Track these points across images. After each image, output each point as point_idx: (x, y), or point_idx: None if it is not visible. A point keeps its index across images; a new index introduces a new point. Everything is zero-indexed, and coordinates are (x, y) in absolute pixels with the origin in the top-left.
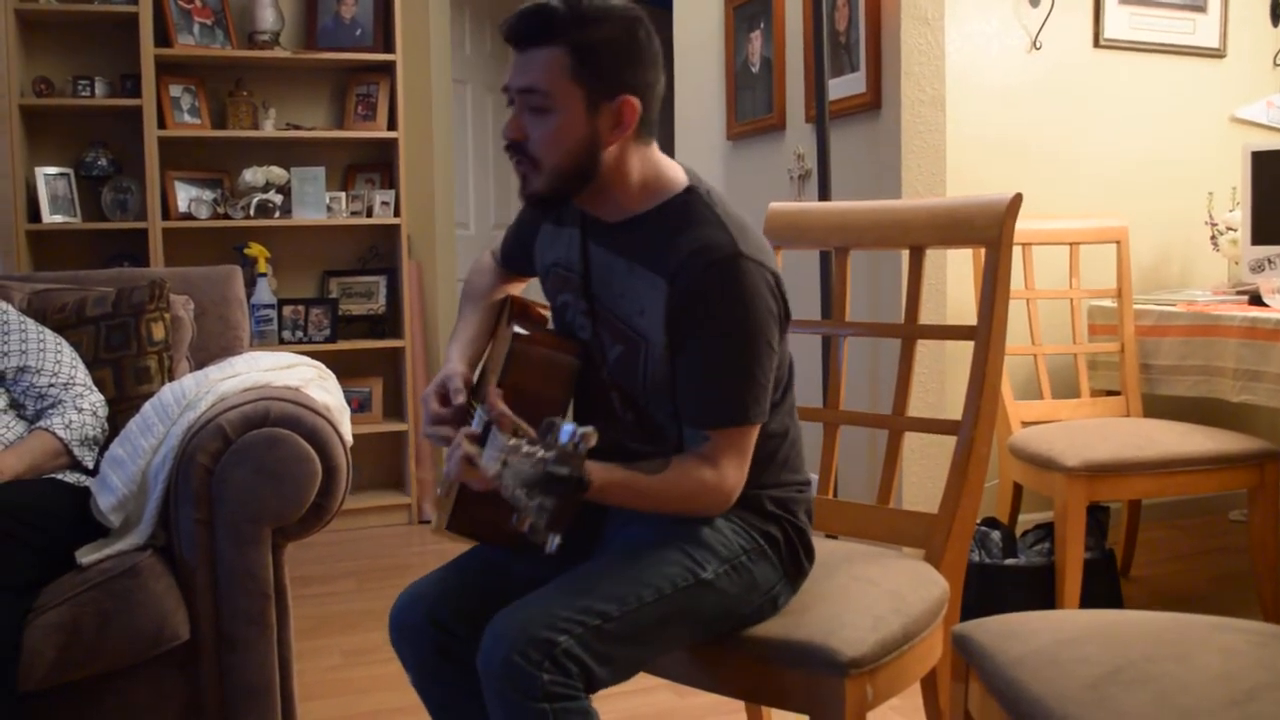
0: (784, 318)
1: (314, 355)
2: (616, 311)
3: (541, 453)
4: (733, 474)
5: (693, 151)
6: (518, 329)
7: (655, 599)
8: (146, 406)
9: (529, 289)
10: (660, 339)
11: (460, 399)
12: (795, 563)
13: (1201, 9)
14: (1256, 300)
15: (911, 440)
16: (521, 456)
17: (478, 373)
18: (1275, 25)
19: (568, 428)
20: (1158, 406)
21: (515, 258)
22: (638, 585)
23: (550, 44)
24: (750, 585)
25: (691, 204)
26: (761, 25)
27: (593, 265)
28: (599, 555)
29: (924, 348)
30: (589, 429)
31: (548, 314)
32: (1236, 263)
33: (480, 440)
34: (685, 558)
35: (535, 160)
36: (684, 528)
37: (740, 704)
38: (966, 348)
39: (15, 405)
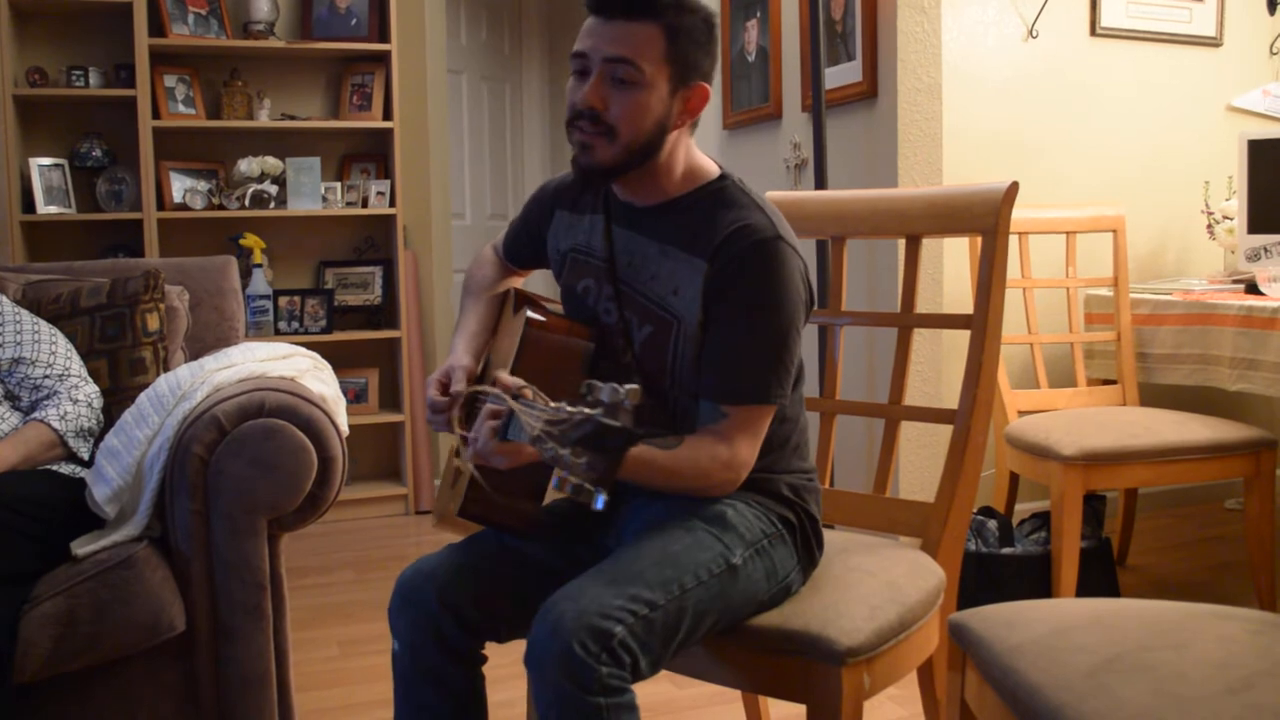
0: (810, 306)
1: (310, 346)
2: (647, 294)
3: (587, 410)
4: (745, 453)
5: None
6: (531, 314)
7: (694, 585)
8: (141, 397)
9: (529, 283)
10: (695, 317)
11: (459, 387)
12: (808, 550)
13: None
14: (1252, 289)
15: (908, 429)
16: (565, 416)
17: (481, 365)
18: (1272, 14)
19: (607, 386)
20: (1154, 395)
21: (521, 251)
22: (678, 570)
23: (646, 20)
24: (770, 570)
25: (728, 189)
26: (757, 14)
27: (617, 249)
28: (624, 539)
29: (920, 337)
30: (634, 385)
31: (554, 306)
32: (1233, 251)
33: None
34: (716, 542)
35: (612, 130)
36: (707, 511)
37: (738, 694)
38: (963, 337)
39: (10, 396)
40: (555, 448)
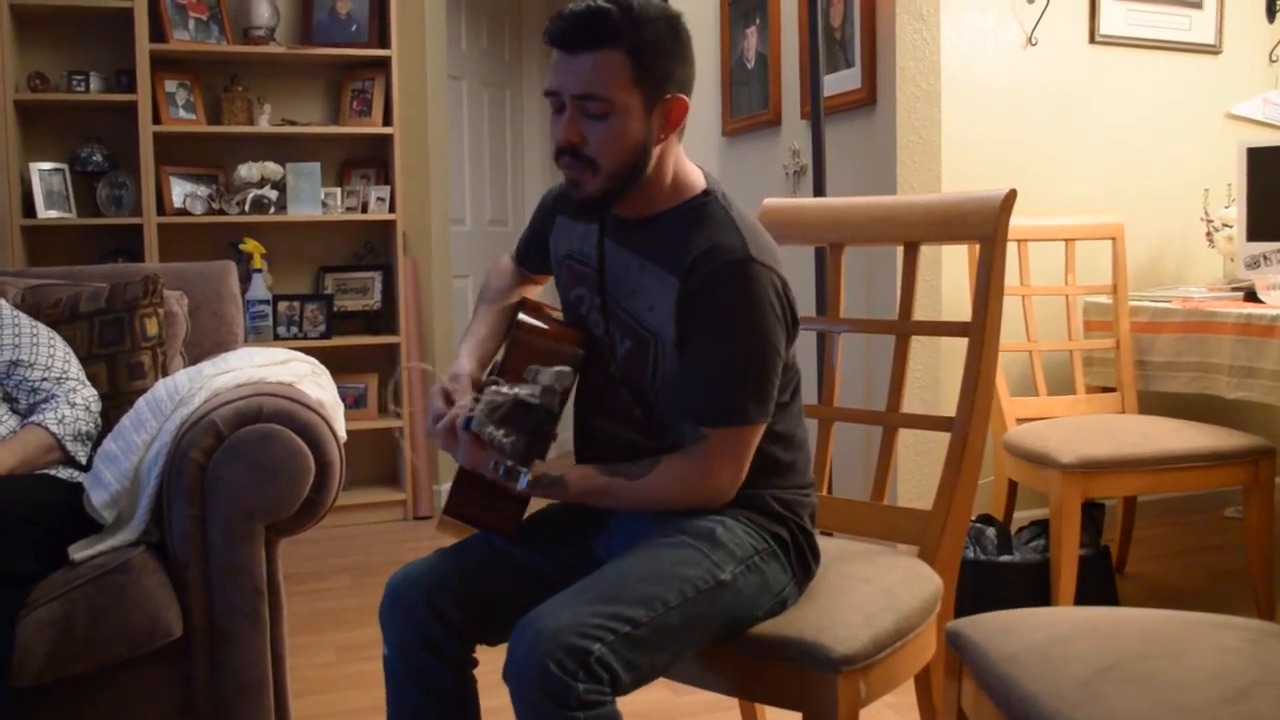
0: (791, 323)
1: (309, 351)
2: (627, 308)
3: (517, 389)
4: (725, 475)
5: (688, 148)
6: (522, 317)
7: (679, 602)
8: (140, 402)
9: (545, 293)
10: (670, 335)
11: (463, 400)
12: (803, 564)
13: (1198, 5)
14: (1252, 297)
15: (906, 437)
16: (499, 400)
17: (487, 373)
18: (1271, 21)
19: (549, 370)
20: (1153, 403)
21: (531, 256)
22: (662, 588)
23: (607, 48)
24: (763, 586)
25: (708, 206)
26: (757, 21)
27: (608, 261)
28: (614, 548)
29: (918, 344)
30: (566, 368)
31: (559, 315)
32: (1232, 259)
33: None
34: (704, 559)
35: (593, 163)
36: (697, 527)
37: (735, 701)
38: (961, 344)
39: (8, 400)
40: (491, 430)
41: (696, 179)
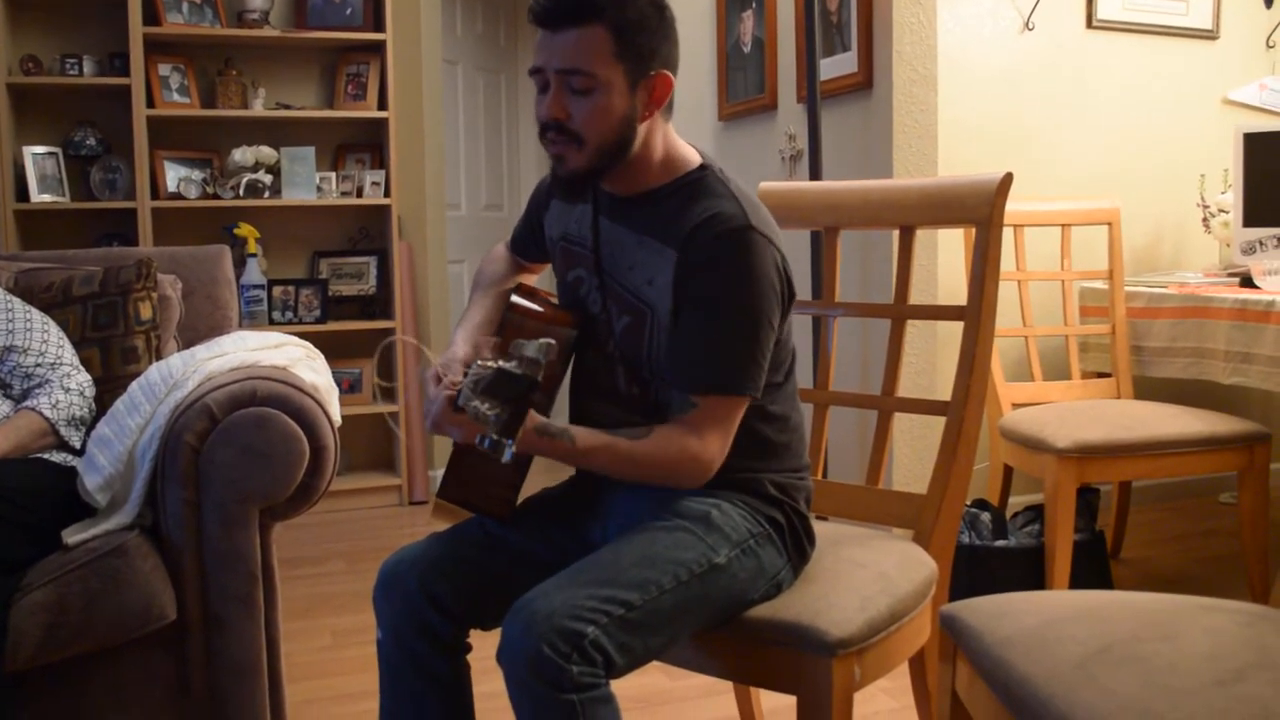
0: (787, 297)
1: (304, 336)
2: (625, 283)
3: (501, 362)
4: (715, 445)
5: (684, 132)
6: (515, 299)
7: (674, 585)
8: (133, 386)
9: (540, 282)
10: (667, 306)
11: (453, 378)
12: (798, 547)
13: None
14: (1248, 282)
15: (901, 421)
16: (483, 369)
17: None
18: (1268, 7)
19: (533, 343)
20: (1149, 388)
21: (526, 242)
22: (656, 571)
23: (590, 23)
24: (758, 570)
25: (706, 180)
26: (753, 5)
27: (602, 239)
28: (609, 531)
29: (914, 328)
30: (549, 341)
31: (554, 299)
32: (1228, 245)
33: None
34: (699, 542)
35: (578, 138)
36: (692, 510)
37: (730, 685)
38: (957, 328)
39: (2, 385)
40: (476, 404)
41: (691, 155)
